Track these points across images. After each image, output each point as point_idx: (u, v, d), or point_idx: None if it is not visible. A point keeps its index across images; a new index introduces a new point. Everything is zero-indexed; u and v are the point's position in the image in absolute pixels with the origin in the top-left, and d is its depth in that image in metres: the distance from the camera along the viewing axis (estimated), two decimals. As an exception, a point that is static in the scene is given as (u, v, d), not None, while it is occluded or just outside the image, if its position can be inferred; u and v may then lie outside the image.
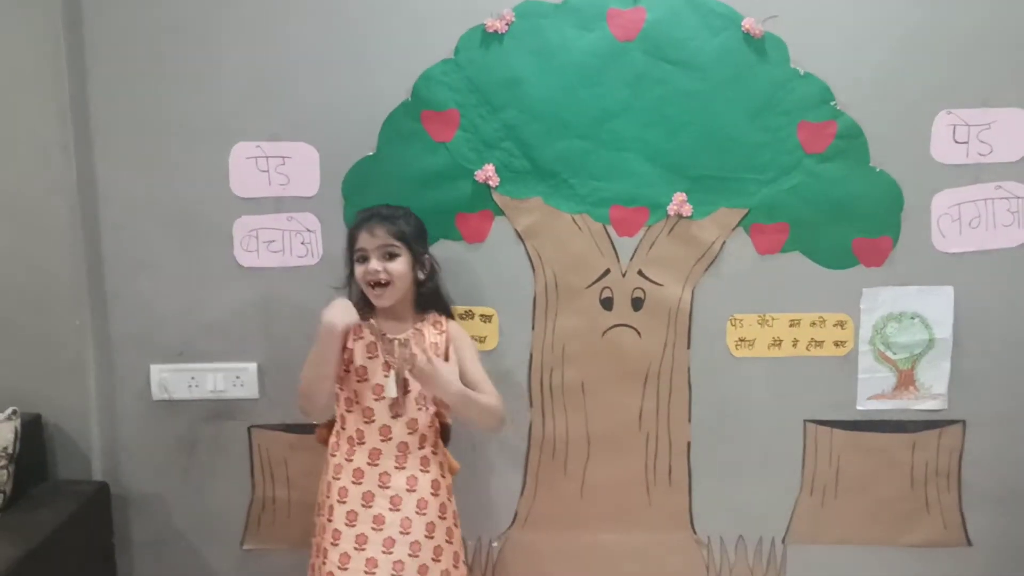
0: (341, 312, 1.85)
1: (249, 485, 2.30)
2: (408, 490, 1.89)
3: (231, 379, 2.24)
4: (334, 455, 1.94)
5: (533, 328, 2.23)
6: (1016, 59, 2.10)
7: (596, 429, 2.27)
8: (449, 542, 1.93)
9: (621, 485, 2.28)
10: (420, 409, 1.92)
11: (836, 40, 2.10)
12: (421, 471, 1.91)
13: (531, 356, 2.24)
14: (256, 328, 2.23)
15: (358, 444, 1.91)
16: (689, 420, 2.26)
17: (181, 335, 2.24)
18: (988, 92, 2.10)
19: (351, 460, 1.91)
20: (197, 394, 2.24)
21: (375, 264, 1.89)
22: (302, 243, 2.20)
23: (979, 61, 2.10)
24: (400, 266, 1.90)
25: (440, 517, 1.92)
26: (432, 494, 1.91)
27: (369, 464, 1.90)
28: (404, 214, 1.96)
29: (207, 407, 2.26)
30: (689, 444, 2.27)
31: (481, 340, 2.21)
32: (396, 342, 1.91)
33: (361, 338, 1.92)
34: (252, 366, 2.24)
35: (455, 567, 1.94)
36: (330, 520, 1.89)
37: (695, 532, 2.30)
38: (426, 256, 1.97)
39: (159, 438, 2.28)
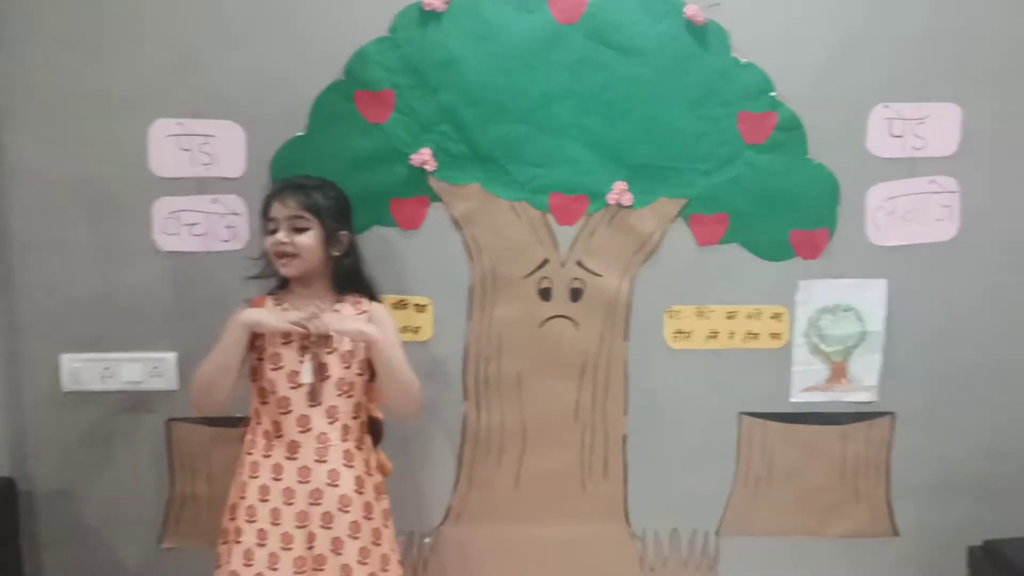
0: (258, 313, 1.81)
1: (167, 481, 2.21)
2: (330, 484, 1.79)
3: (148, 369, 2.14)
4: (250, 453, 1.84)
5: (469, 318, 2.18)
6: (952, 55, 2.13)
7: (532, 421, 2.23)
8: (377, 544, 1.84)
9: (556, 478, 2.26)
10: (340, 396, 1.83)
11: (777, 30, 2.10)
12: (344, 466, 1.82)
13: (466, 347, 2.20)
14: (176, 316, 2.14)
15: (275, 438, 1.82)
16: (625, 412, 2.24)
17: (94, 322, 2.14)
18: (924, 87, 2.13)
19: (269, 456, 1.82)
20: (111, 385, 2.15)
21: (282, 235, 1.81)
22: (227, 227, 2.11)
23: (917, 56, 2.13)
24: (308, 240, 1.82)
25: (366, 517, 1.83)
26: (356, 491, 1.82)
27: (288, 458, 1.80)
28: (321, 185, 1.87)
29: (122, 399, 2.17)
30: (625, 436, 2.25)
31: (415, 330, 2.16)
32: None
33: None
34: (171, 356, 2.14)
35: (383, 570, 1.85)
36: (252, 521, 1.79)
37: (630, 525, 2.29)
38: (343, 232, 1.87)
39: (70, 431, 2.17)
